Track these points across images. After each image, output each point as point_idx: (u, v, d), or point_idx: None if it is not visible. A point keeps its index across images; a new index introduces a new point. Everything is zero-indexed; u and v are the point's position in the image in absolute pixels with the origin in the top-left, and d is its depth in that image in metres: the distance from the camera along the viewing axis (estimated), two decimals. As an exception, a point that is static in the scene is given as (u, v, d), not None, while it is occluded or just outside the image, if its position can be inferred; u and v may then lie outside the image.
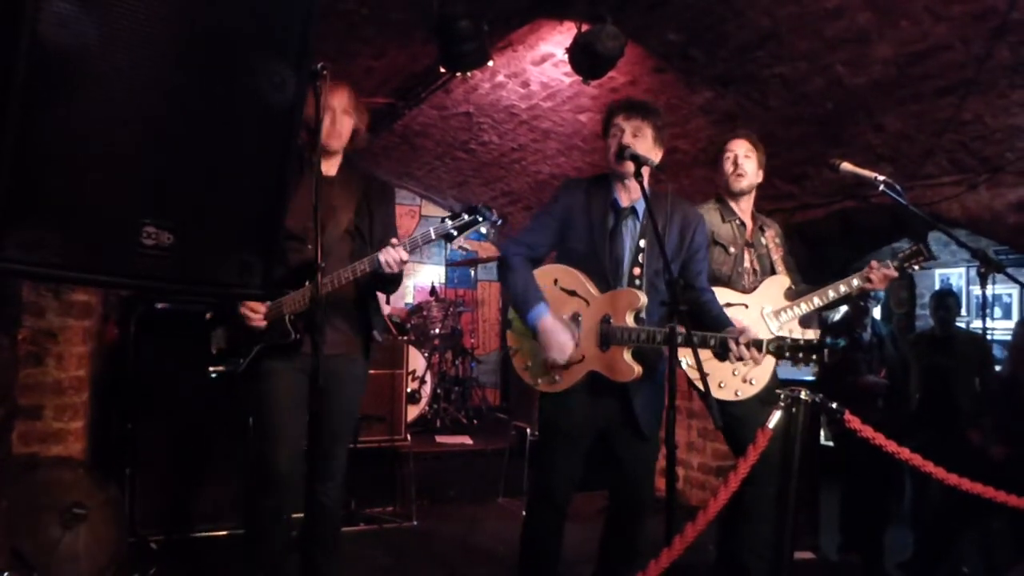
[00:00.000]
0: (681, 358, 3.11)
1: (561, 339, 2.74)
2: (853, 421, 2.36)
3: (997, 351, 5.39)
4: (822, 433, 5.95)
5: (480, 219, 2.72)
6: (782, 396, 2.36)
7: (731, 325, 2.85)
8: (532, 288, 2.82)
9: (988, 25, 3.08)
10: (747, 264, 3.34)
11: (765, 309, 3.28)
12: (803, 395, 2.34)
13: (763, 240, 3.44)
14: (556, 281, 2.87)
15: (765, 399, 3.13)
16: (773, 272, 3.39)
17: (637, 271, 2.86)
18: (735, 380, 3.17)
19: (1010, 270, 2.97)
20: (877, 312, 5.86)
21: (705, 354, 3.11)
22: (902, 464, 2.51)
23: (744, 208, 3.41)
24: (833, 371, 5.10)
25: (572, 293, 2.84)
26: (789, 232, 4.83)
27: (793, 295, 3.33)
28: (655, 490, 3.07)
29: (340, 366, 2.80)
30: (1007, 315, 7.42)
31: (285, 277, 2.71)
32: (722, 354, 2.72)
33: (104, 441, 4.01)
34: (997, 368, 5.04)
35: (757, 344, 2.64)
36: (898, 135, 3.86)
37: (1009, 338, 5.02)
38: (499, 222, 2.75)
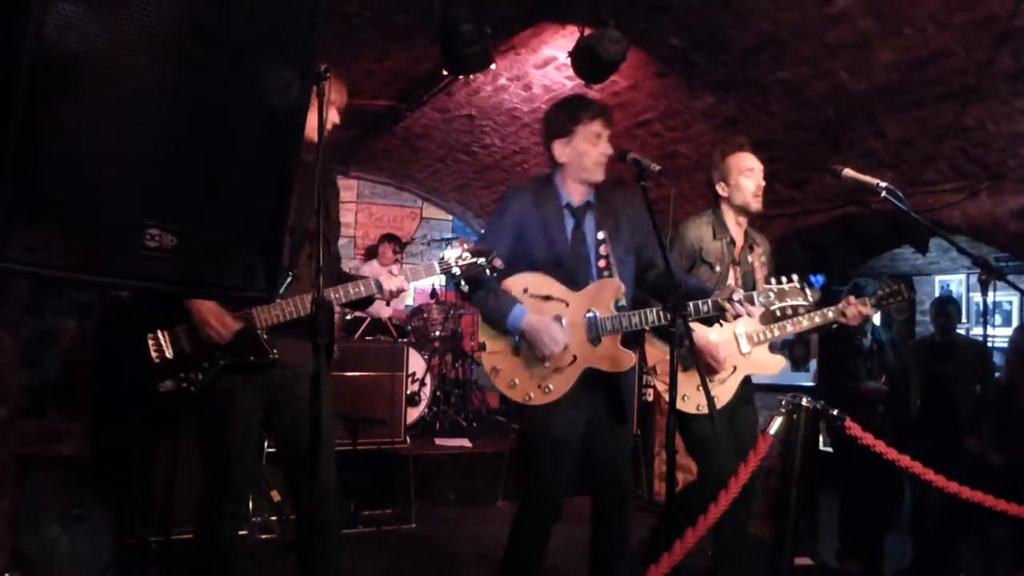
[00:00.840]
0: (650, 377, 3.17)
1: (552, 331, 2.71)
2: (854, 428, 2.36)
3: (997, 358, 5.38)
4: (821, 439, 5.95)
5: (481, 264, 2.65)
6: (784, 402, 2.36)
7: (706, 288, 2.90)
8: (502, 296, 2.77)
9: (991, 32, 3.08)
10: (731, 282, 3.34)
11: (738, 330, 3.29)
12: (804, 401, 2.34)
13: (750, 259, 3.44)
14: (526, 290, 2.80)
15: (731, 410, 3.24)
16: (754, 291, 3.41)
17: (603, 263, 2.87)
18: (699, 395, 3.16)
19: (1010, 277, 2.97)
20: (877, 318, 5.86)
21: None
22: (901, 471, 2.51)
23: (742, 224, 3.43)
24: (833, 377, 5.10)
25: (547, 298, 2.79)
26: (789, 238, 4.85)
27: (769, 318, 3.33)
28: (654, 494, 3.09)
29: (305, 375, 2.53)
30: (1007, 322, 7.42)
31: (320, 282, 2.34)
32: (718, 316, 2.75)
33: (104, 441, 4.01)
34: (997, 375, 5.04)
35: (749, 298, 2.69)
36: (900, 141, 3.86)
37: (1008, 345, 5.01)
38: (495, 274, 2.68)
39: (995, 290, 3.01)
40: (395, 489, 5.04)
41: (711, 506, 2.26)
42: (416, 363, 6.11)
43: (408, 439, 5.13)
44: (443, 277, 2.67)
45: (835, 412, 2.36)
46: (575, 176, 2.88)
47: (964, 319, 7.54)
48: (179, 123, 1.49)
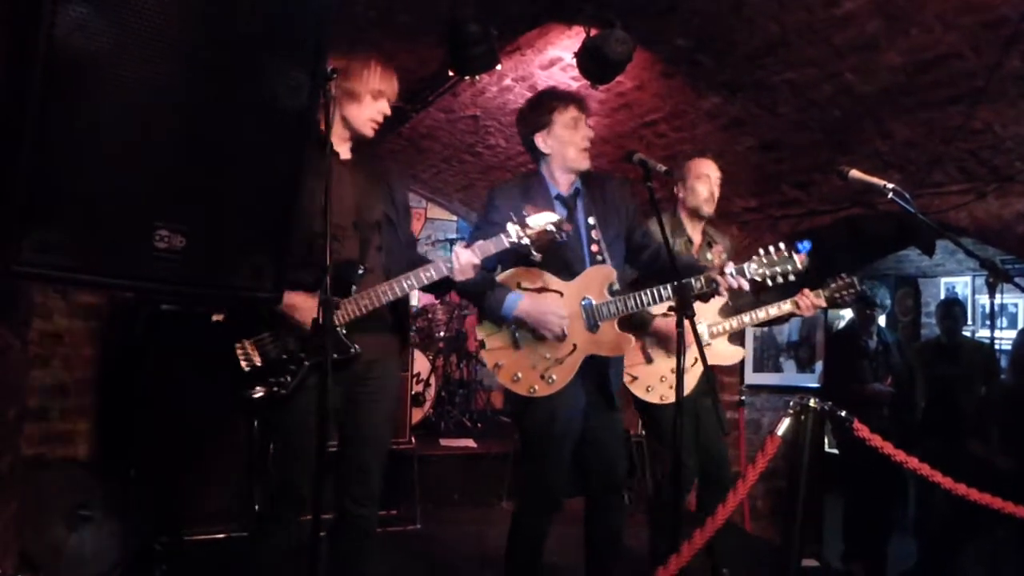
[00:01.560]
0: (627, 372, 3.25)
1: (553, 311, 2.73)
2: (862, 430, 2.35)
3: (1004, 361, 5.37)
4: (826, 441, 5.95)
5: (552, 232, 2.52)
6: (791, 403, 2.35)
7: (698, 265, 2.98)
8: (496, 287, 2.79)
9: (999, 34, 3.07)
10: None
11: (698, 324, 3.32)
12: (812, 403, 2.33)
13: (708, 256, 3.57)
14: (519, 284, 2.82)
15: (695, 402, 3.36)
16: None
17: (595, 248, 2.89)
18: (662, 386, 3.35)
19: (1017, 279, 2.96)
20: (883, 320, 5.85)
21: (636, 358, 3.35)
22: (906, 473, 2.51)
23: (698, 225, 3.61)
24: (839, 378, 5.10)
25: (541, 290, 2.82)
26: (795, 238, 4.83)
27: (728, 311, 3.51)
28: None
29: (378, 372, 2.59)
30: (1013, 325, 7.39)
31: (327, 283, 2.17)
32: (711, 291, 2.79)
33: (110, 443, 4.01)
34: (1003, 378, 5.02)
35: (740, 271, 2.72)
36: (907, 143, 3.85)
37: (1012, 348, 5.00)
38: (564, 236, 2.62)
39: (1002, 292, 3.01)
40: (400, 490, 5.04)
41: (719, 506, 2.25)
42: (421, 364, 6.11)
43: (413, 439, 5.12)
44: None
45: (843, 413, 2.35)
46: (561, 165, 2.90)
47: (970, 321, 7.52)
48: (188, 124, 1.50)
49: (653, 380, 3.37)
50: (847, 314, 6.34)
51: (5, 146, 1.31)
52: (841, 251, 4.78)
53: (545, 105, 2.91)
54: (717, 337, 3.47)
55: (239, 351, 2.45)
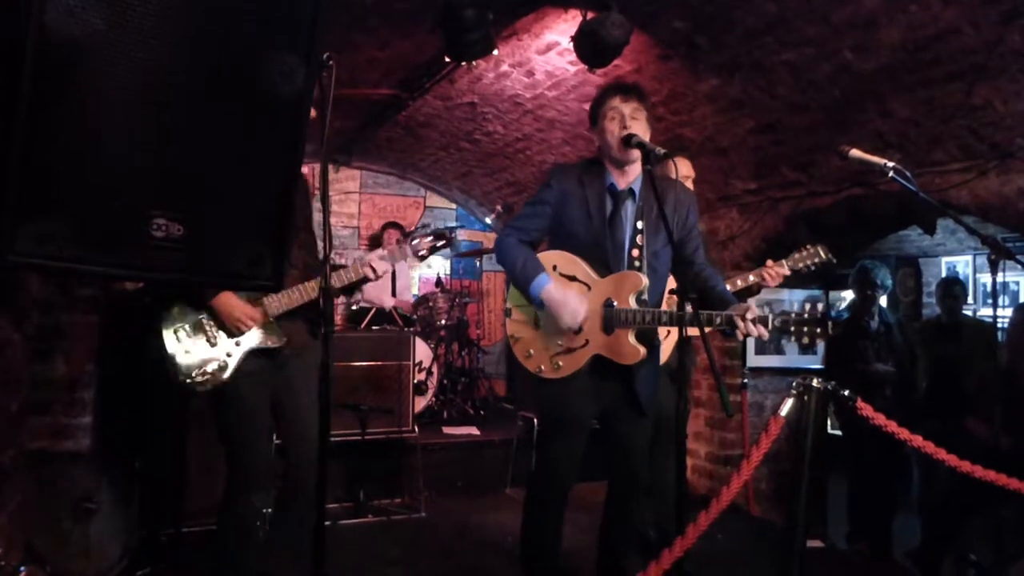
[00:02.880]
0: None
1: (572, 303, 2.76)
2: (865, 408, 2.35)
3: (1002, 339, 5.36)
4: (829, 422, 5.95)
5: (441, 244, 3.03)
6: (795, 384, 2.35)
7: (735, 301, 2.87)
8: (532, 262, 2.83)
9: (999, 9, 3.05)
10: None
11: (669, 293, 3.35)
12: (815, 383, 2.33)
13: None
14: (555, 267, 2.87)
15: (671, 374, 3.32)
16: None
17: (636, 253, 2.89)
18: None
19: (1020, 257, 2.95)
20: (884, 301, 5.84)
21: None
22: (909, 452, 2.51)
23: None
24: (841, 359, 5.09)
25: (572, 278, 2.85)
26: (796, 220, 4.82)
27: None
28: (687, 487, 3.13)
29: (305, 360, 2.88)
30: (1015, 303, 7.39)
31: (327, 271, 2.62)
32: (729, 332, 2.74)
33: (112, 435, 4.01)
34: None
35: (763, 320, 2.66)
36: (907, 121, 3.83)
37: (1007, 327, 4.99)
38: (455, 236, 2.97)
39: (1004, 271, 3.00)
40: (404, 478, 5.05)
41: (723, 488, 2.25)
42: (423, 352, 6.11)
43: (416, 428, 5.13)
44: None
45: (846, 393, 2.35)
46: (608, 158, 2.90)
47: (971, 300, 7.51)
48: (184, 111, 1.48)
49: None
50: (848, 295, 6.33)
51: (-2, 135, 1.29)
52: (842, 232, 4.76)
53: (596, 99, 2.94)
54: (740, 337, 3.42)
55: (173, 335, 2.72)
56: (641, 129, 2.81)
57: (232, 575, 2.83)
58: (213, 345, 2.74)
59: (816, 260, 3.41)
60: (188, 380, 2.70)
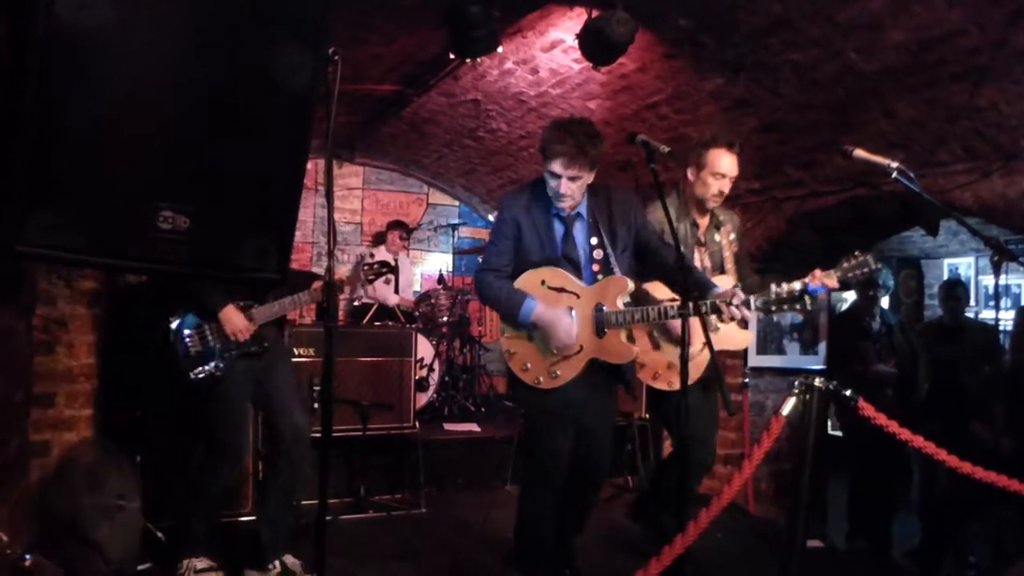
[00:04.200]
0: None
1: (563, 322, 2.90)
2: (867, 408, 2.35)
3: (1007, 342, 5.37)
4: (829, 423, 5.95)
5: (385, 270, 3.57)
6: (796, 383, 2.35)
7: (709, 283, 3.02)
8: (514, 292, 2.98)
9: (1004, 10, 3.05)
10: (697, 262, 3.47)
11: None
12: (817, 382, 2.33)
13: (716, 238, 3.57)
14: (543, 282, 3.00)
15: (706, 388, 3.40)
16: (723, 270, 3.53)
17: (596, 268, 3.03)
18: (669, 373, 3.35)
19: (1023, 259, 2.95)
20: (886, 302, 5.84)
21: (644, 344, 3.36)
22: (910, 452, 2.51)
23: (699, 209, 3.54)
24: (843, 360, 5.10)
25: (561, 290, 2.97)
26: (799, 220, 4.83)
27: None
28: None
29: (278, 354, 3.55)
30: (1017, 305, 7.39)
31: (248, 293, 3.33)
32: (716, 313, 2.85)
33: (113, 428, 4.02)
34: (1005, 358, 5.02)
35: (746, 303, 2.78)
36: (911, 122, 3.83)
37: (1012, 328, 5.00)
38: (387, 269, 3.65)
39: (1007, 273, 3.00)
40: (405, 474, 5.06)
41: (724, 487, 2.26)
42: (424, 349, 6.12)
43: (417, 424, 5.13)
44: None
45: (848, 393, 2.36)
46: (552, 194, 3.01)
47: (973, 302, 7.51)
48: (191, 104, 1.49)
49: (660, 367, 3.38)
50: (850, 296, 6.33)
51: (6, 126, 1.30)
52: (844, 232, 4.76)
53: (545, 143, 2.96)
54: (726, 322, 3.39)
55: (189, 337, 3.30)
56: (577, 187, 2.93)
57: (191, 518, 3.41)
58: (212, 349, 3.29)
59: (865, 270, 3.19)
60: (191, 375, 3.27)
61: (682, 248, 3.32)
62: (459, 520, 4.55)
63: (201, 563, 3.36)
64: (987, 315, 7.38)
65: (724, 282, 3.41)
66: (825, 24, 3.50)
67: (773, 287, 2.84)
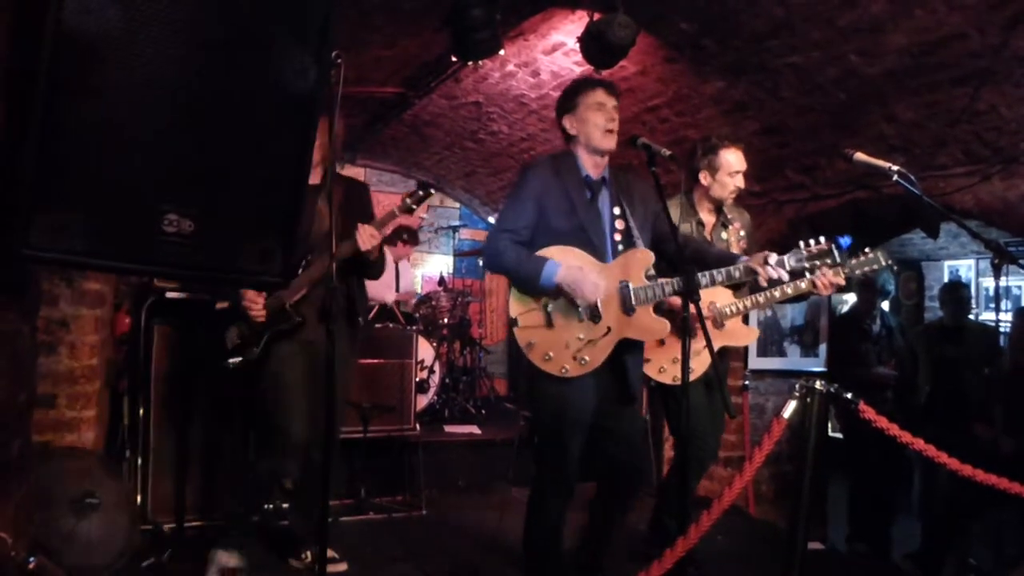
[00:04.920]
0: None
1: (591, 278, 2.72)
2: (868, 411, 2.36)
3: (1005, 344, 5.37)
4: (829, 425, 5.96)
5: (424, 193, 3.23)
6: (797, 386, 2.36)
7: (731, 255, 2.99)
8: (531, 256, 2.79)
9: (1003, 14, 3.06)
10: None
11: (714, 305, 3.41)
12: (817, 385, 2.34)
13: (724, 236, 3.57)
14: (540, 256, 2.82)
15: (710, 386, 3.40)
16: None
17: (618, 237, 2.92)
18: (675, 367, 3.31)
19: (1023, 261, 2.96)
20: (886, 304, 5.85)
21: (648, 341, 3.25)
22: (911, 455, 2.52)
23: (710, 209, 3.58)
24: (843, 363, 5.11)
25: (579, 270, 2.78)
26: (800, 223, 4.83)
27: (744, 291, 3.47)
28: (664, 478, 3.13)
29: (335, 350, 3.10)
30: (1017, 307, 7.39)
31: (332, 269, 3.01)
32: (751, 279, 2.85)
33: (116, 429, 4.03)
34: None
35: (780, 262, 2.76)
36: (911, 125, 3.84)
37: (1010, 330, 5.00)
38: (431, 191, 3.34)
39: (1007, 275, 3.00)
40: (405, 476, 5.06)
41: (725, 489, 2.26)
42: (425, 351, 6.12)
43: (418, 426, 5.14)
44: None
45: (848, 396, 2.36)
46: (587, 146, 2.92)
47: (973, 304, 7.51)
48: (197, 108, 1.50)
49: (665, 361, 3.38)
50: (850, 298, 6.34)
51: (14, 130, 1.31)
52: (846, 235, 4.76)
53: (575, 88, 2.98)
54: (732, 317, 3.43)
55: (229, 332, 3.26)
56: (616, 125, 2.90)
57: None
58: (247, 336, 3.25)
59: (875, 267, 3.16)
60: (228, 364, 3.26)
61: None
62: (460, 522, 4.55)
63: (232, 560, 3.20)
64: (987, 317, 7.39)
65: None
66: (826, 27, 3.51)
67: (802, 244, 2.83)
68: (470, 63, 4.12)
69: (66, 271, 3.50)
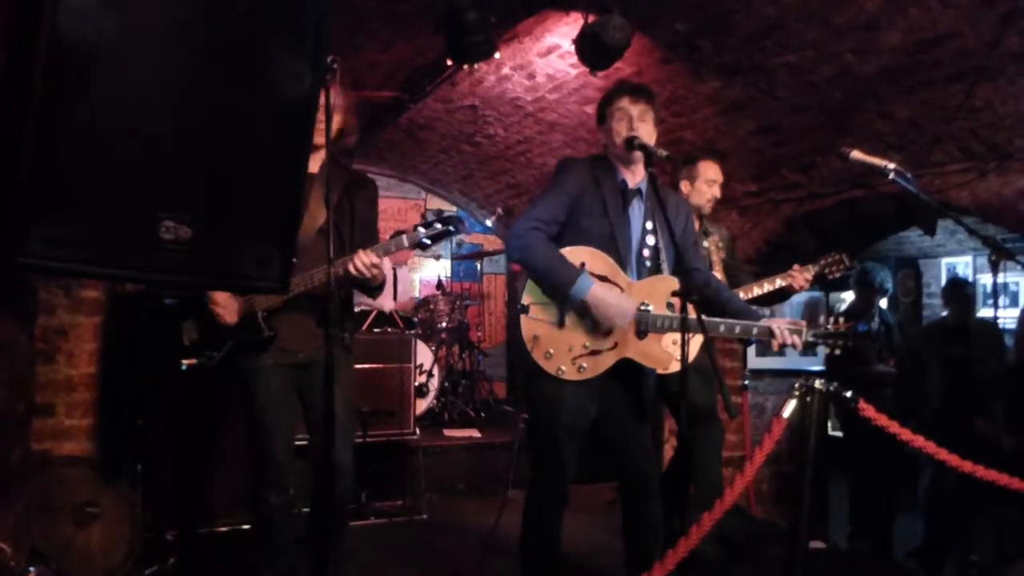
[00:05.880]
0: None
1: (623, 304, 2.67)
2: (867, 409, 2.36)
3: (1007, 340, 5.37)
4: (829, 424, 5.96)
5: (452, 229, 2.77)
6: (797, 385, 2.36)
7: (743, 306, 2.92)
8: (566, 262, 2.68)
9: (997, 11, 3.06)
10: None
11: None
12: (817, 384, 2.34)
13: (705, 244, 3.73)
14: (583, 265, 2.71)
15: (701, 372, 3.48)
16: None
17: (647, 253, 2.86)
18: (675, 348, 3.25)
19: (1020, 257, 2.96)
20: (884, 302, 5.86)
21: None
22: (916, 453, 2.52)
23: (702, 215, 3.76)
24: (843, 360, 5.10)
25: (603, 279, 2.71)
26: (796, 222, 4.84)
27: None
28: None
29: (317, 367, 2.75)
30: (1014, 303, 7.41)
31: (330, 275, 2.51)
32: (752, 342, 2.82)
33: (115, 437, 4.02)
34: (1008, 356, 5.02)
35: (798, 332, 2.76)
36: (907, 123, 3.84)
37: (1015, 326, 4.99)
38: (469, 232, 2.80)
39: (1004, 271, 3.01)
40: (406, 480, 5.06)
41: (727, 489, 2.26)
42: (424, 355, 6.12)
43: (417, 430, 5.14)
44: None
45: (848, 394, 2.36)
46: (615, 156, 2.88)
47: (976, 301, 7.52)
48: (192, 115, 1.50)
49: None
50: (848, 296, 6.35)
51: (10, 138, 1.30)
52: (842, 233, 4.77)
53: (602, 100, 2.92)
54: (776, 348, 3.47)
55: (184, 328, 2.92)
56: (647, 131, 2.78)
57: (263, 567, 2.90)
58: (206, 337, 2.87)
59: (840, 266, 3.57)
60: (182, 366, 2.90)
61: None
62: (460, 526, 4.55)
63: None
64: (985, 313, 7.39)
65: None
66: (821, 26, 3.52)
67: (823, 319, 2.91)
68: (465, 66, 4.11)
69: (63, 279, 3.49)
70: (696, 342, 3.27)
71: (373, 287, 2.85)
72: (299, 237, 2.55)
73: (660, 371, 2.85)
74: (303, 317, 2.81)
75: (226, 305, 2.77)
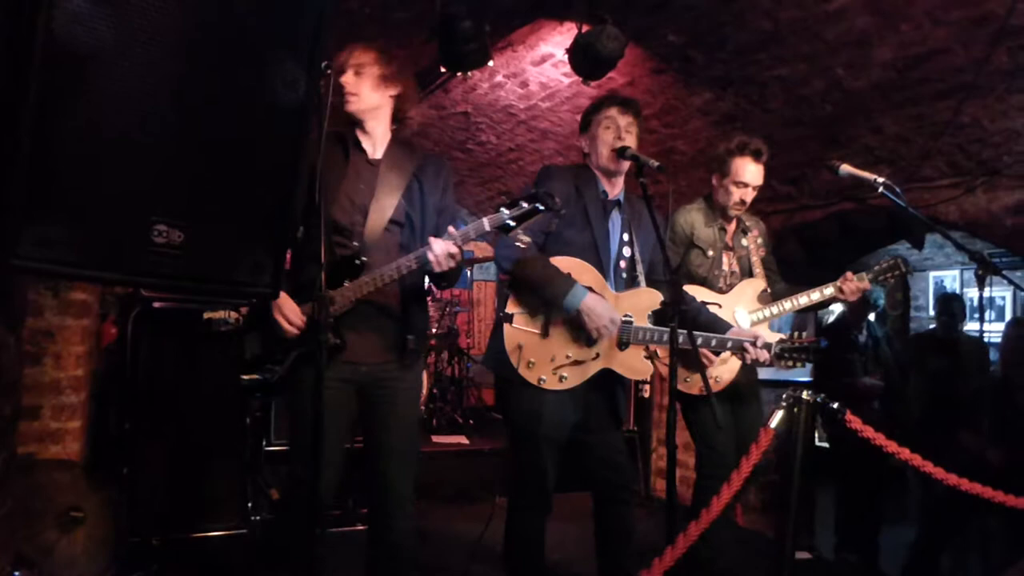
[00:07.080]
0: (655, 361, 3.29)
1: (615, 315, 2.69)
2: (854, 421, 2.37)
3: (992, 354, 5.41)
4: (816, 435, 5.98)
5: (541, 208, 2.36)
6: (784, 396, 2.37)
7: (712, 317, 2.99)
8: (560, 272, 2.68)
9: (987, 30, 3.10)
10: (725, 267, 3.45)
11: (737, 311, 3.38)
12: (805, 395, 2.35)
13: (744, 242, 3.52)
14: (568, 275, 2.71)
15: (733, 396, 3.39)
16: (751, 274, 3.50)
17: (623, 264, 2.91)
18: (697, 377, 3.26)
19: (1006, 272, 2.99)
20: (872, 315, 5.89)
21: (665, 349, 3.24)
22: (902, 464, 2.53)
23: (727, 217, 3.52)
24: (830, 372, 5.13)
25: (588, 289, 2.72)
26: (786, 234, 4.87)
27: (767, 298, 3.44)
28: (652, 490, 3.12)
29: (388, 375, 2.56)
30: (1000, 317, 7.46)
31: (327, 276, 2.22)
32: (736, 351, 2.91)
33: (102, 441, 3.99)
34: (992, 370, 5.06)
35: (767, 346, 2.84)
36: (896, 138, 3.88)
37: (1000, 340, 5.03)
38: (563, 211, 2.48)
39: (991, 285, 3.04)
40: (394, 486, 5.03)
41: (713, 498, 2.27)
42: (413, 360, 6.10)
43: (406, 436, 5.11)
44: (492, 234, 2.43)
45: (835, 405, 2.37)
46: (597, 166, 2.90)
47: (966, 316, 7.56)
48: (187, 119, 1.50)
49: (689, 371, 3.22)
50: (836, 308, 6.38)
51: (3, 140, 1.30)
52: (832, 246, 4.81)
53: (588, 108, 2.95)
54: (757, 325, 3.38)
55: (247, 342, 2.59)
56: (631, 144, 2.82)
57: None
58: (270, 349, 2.56)
59: (896, 272, 3.33)
60: (244, 378, 2.63)
61: (710, 252, 3.39)
62: (448, 532, 4.54)
63: None
64: (971, 327, 7.45)
65: (755, 285, 3.44)
66: (813, 41, 3.55)
67: (786, 335, 3.01)
68: (459, 74, 4.12)
69: (52, 281, 3.47)
70: (731, 369, 3.31)
71: (447, 278, 2.56)
72: (367, 232, 2.48)
73: (638, 379, 2.94)
74: (369, 323, 2.52)
75: (291, 319, 2.44)
